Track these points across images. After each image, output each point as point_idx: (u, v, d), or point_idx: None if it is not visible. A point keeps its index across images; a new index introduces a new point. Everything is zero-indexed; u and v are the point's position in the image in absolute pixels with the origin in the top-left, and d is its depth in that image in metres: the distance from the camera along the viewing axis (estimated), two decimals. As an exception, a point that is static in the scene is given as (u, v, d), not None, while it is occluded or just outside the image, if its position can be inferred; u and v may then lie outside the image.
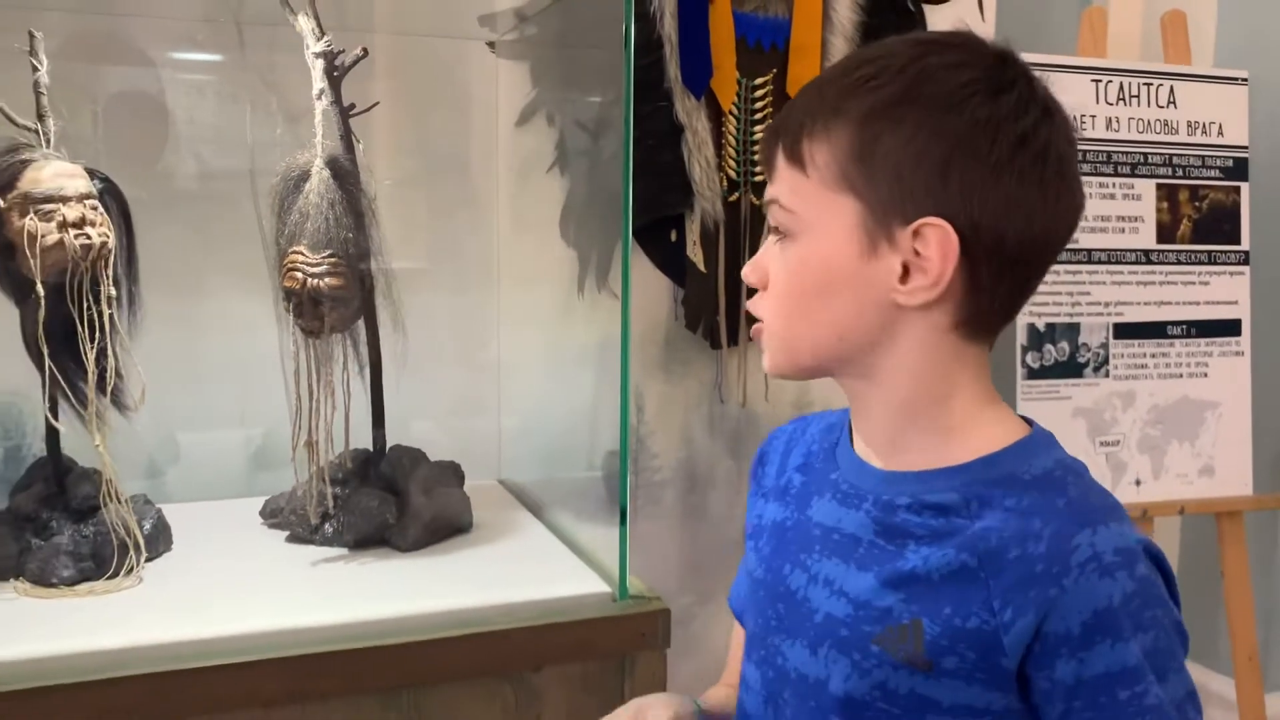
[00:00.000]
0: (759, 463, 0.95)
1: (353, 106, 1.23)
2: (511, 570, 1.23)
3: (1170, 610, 0.71)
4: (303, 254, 1.16)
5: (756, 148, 1.89)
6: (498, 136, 1.80)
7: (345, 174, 1.20)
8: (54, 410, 1.21)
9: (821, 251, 0.75)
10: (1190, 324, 2.09)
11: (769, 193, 0.79)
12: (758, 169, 1.89)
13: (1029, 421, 0.80)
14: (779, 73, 1.90)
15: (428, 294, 1.57)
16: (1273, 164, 2.20)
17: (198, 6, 1.57)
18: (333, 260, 1.17)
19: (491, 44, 1.80)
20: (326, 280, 1.16)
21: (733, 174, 1.88)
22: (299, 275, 1.16)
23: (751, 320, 0.82)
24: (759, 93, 1.89)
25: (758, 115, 1.89)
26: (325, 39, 1.18)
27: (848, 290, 0.75)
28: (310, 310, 1.16)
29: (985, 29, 2.04)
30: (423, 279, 1.60)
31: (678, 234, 1.91)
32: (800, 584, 0.82)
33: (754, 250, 1.91)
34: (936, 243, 0.72)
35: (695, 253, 1.90)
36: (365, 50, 1.21)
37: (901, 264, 0.73)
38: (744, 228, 1.91)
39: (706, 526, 1.97)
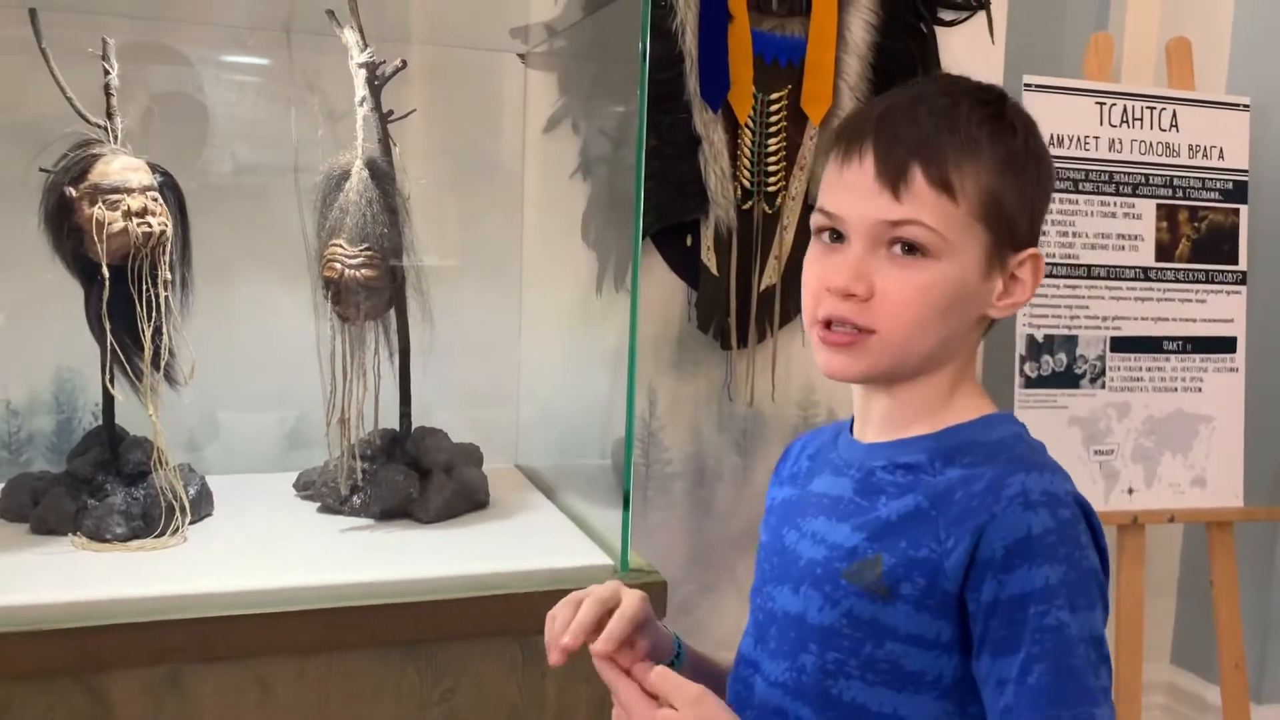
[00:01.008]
0: (781, 460, 1.06)
1: (391, 113, 1.34)
2: (523, 543, 1.34)
3: (1087, 555, 0.80)
4: (341, 247, 1.27)
5: (771, 159, 1.98)
6: (525, 143, 1.90)
7: (382, 175, 1.31)
8: (111, 382, 1.32)
9: (959, 272, 0.85)
10: (1186, 340, 2.16)
11: (898, 212, 0.84)
12: (771, 179, 1.99)
13: (996, 406, 0.91)
14: (793, 89, 1.99)
15: (455, 289, 1.68)
16: (1266, 189, 2.27)
17: (247, 15, 1.69)
18: (369, 253, 1.28)
19: (522, 55, 1.91)
20: (362, 271, 1.27)
21: (746, 183, 1.98)
22: (337, 266, 1.27)
23: (829, 325, 0.85)
24: (774, 107, 1.98)
25: (772, 129, 1.98)
26: (368, 50, 1.29)
27: (966, 306, 0.87)
28: (347, 298, 1.27)
29: (995, 52, 2.13)
30: (451, 274, 1.70)
31: (692, 239, 2.00)
32: (792, 540, 0.93)
33: (765, 256, 2.02)
34: (1032, 268, 0.88)
35: (709, 257, 2.00)
36: (404, 62, 1.32)
37: (1003, 284, 0.87)
38: (756, 235, 2.00)
39: (712, 520, 2.06)
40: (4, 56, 1.51)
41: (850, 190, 0.86)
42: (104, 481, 1.30)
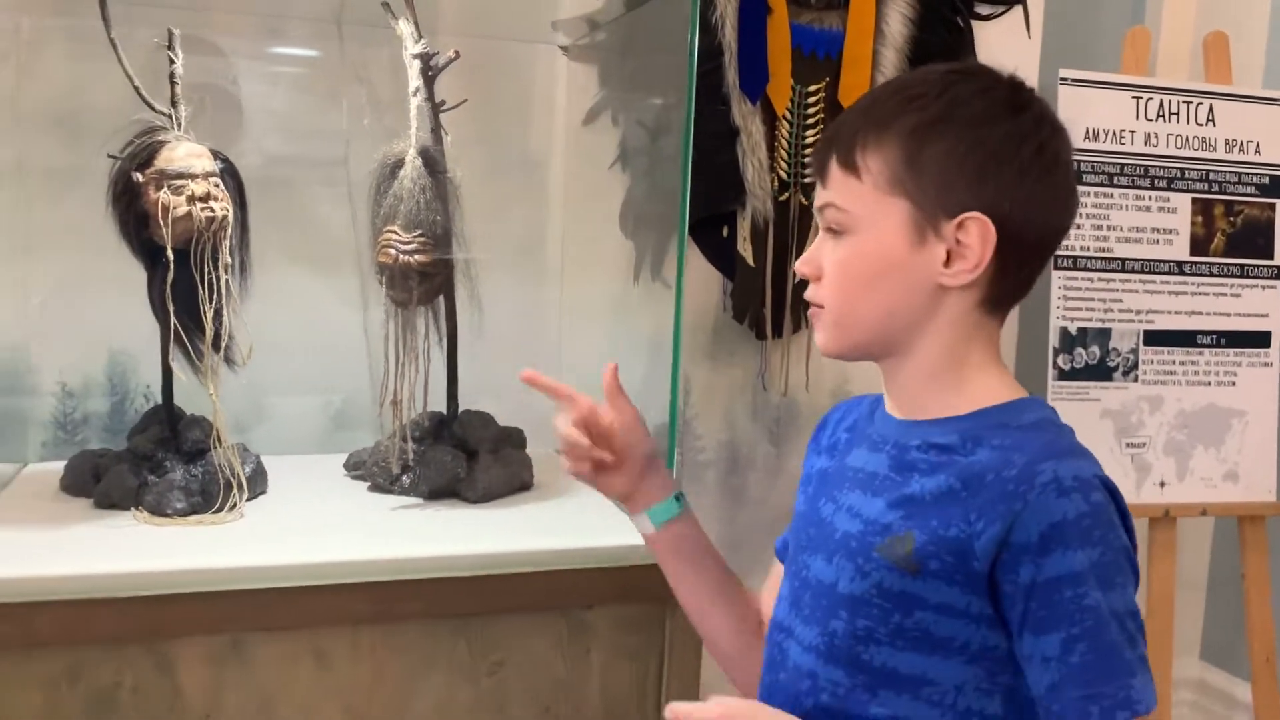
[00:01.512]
0: (820, 428, 1.11)
1: (443, 102, 1.37)
2: (567, 522, 1.38)
3: (1119, 536, 0.84)
4: (396, 233, 1.31)
5: (808, 151, 2.01)
6: (565, 134, 1.93)
7: (435, 163, 1.35)
8: (169, 360, 1.36)
9: (876, 244, 0.89)
10: (1220, 334, 2.17)
11: (822, 197, 0.92)
12: (808, 171, 2.01)
13: (1031, 395, 0.94)
14: (831, 81, 2.01)
15: (498, 276, 1.71)
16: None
17: (298, 5, 1.72)
18: (422, 239, 1.31)
19: (564, 48, 1.94)
20: (416, 257, 1.31)
21: (784, 175, 2.00)
22: (392, 251, 1.31)
23: (807, 307, 0.96)
24: (812, 100, 2.01)
25: (810, 121, 2.01)
26: (422, 41, 1.33)
27: (898, 275, 0.90)
28: (401, 283, 1.31)
29: (1032, 46, 2.14)
30: (495, 261, 1.74)
31: (729, 230, 2.03)
32: (829, 512, 0.98)
33: (801, 247, 2.04)
34: (977, 232, 0.88)
35: (745, 248, 2.02)
36: (457, 53, 1.35)
37: (946, 251, 0.89)
38: (792, 226, 2.03)
39: (745, 507, 2.09)
40: (70, 44, 1.56)
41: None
42: (163, 459, 1.35)
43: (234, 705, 1.14)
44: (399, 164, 1.35)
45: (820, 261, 0.93)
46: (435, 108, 1.36)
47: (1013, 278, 0.91)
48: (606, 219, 1.93)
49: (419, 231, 1.32)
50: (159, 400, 1.65)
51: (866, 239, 0.90)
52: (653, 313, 2.01)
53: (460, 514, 1.38)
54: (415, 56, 1.33)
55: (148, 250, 1.30)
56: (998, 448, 0.88)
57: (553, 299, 1.86)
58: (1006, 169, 0.87)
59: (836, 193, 0.91)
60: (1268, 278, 2.20)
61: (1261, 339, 2.19)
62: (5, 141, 1.63)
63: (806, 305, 0.96)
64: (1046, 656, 0.83)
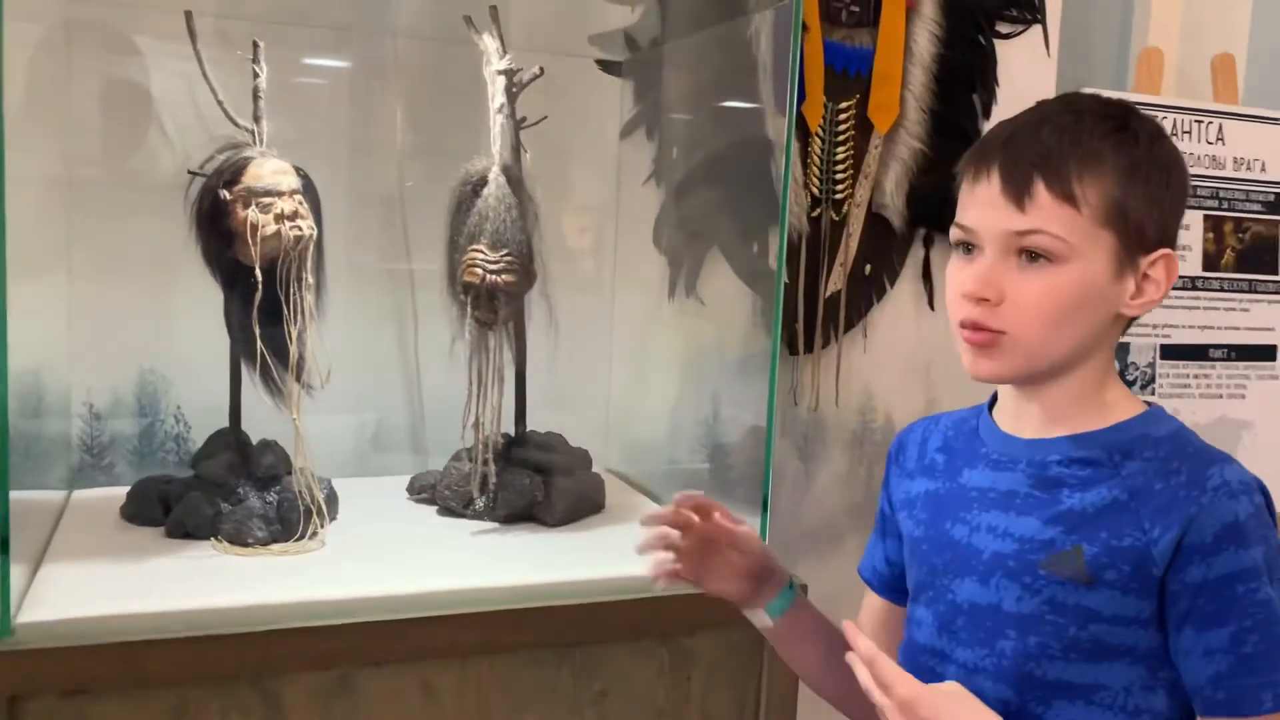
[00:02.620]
0: (899, 451, 1.12)
1: (524, 119, 1.35)
2: (654, 546, 1.35)
3: (1275, 534, 0.88)
4: (482, 252, 1.28)
5: (839, 167, 2.02)
6: (616, 149, 1.91)
7: (517, 181, 1.32)
8: (238, 384, 1.32)
9: (1085, 275, 0.90)
10: (1230, 348, 2.23)
11: (1022, 223, 0.91)
12: (839, 187, 2.02)
13: (1147, 401, 0.98)
14: (861, 98, 2.03)
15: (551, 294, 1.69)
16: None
17: (352, 16, 1.68)
18: (509, 259, 1.29)
19: (602, 62, 1.92)
20: (503, 277, 1.28)
21: (815, 191, 2.01)
22: (479, 271, 1.28)
23: (961, 328, 0.94)
24: (842, 116, 2.02)
25: (840, 137, 2.02)
26: (507, 57, 1.30)
27: (1096, 307, 0.92)
28: (486, 303, 1.28)
29: (1049, 65, 2.18)
30: (551, 279, 1.71)
31: (759, 245, 2.03)
32: (963, 534, 0.99)
33: (833, 261, 2.05)
34: (1165, 268, 0.93)
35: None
36: (541, 69, 1.33)
37: (1134, 284, 0.92)
38: (823, 242, 2.04)
39: (774, 523, 2.09)
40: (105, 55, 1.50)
41: (980, 205, 0.94)
42: (236, 485, 1.30)
43: (342, 743, 1.10)
44: (482, 181, 1.32)
45: (1002, 286, 0.92)
46: (517, 125, 1.34)
47: None
48: (645, 234, 1.92)
49: (505, 251, 1.29)
50: (183, 421, 1.62)
51: (1077, 270, 0.90)
52: (687, 329, 2.01)
53: (542, 538, 1.35)
54: (500, 73, 1.30)
55: (228, 270, 1.25)
56: (1151, 459, 0.92)
57: (605, 317, 1.84)
58: (1182, 209, 0.95)
59: (1049, 220, 0.91)
60: (1273, 292, 2.27)
61: (1268, 352, 2.26)
62: (34, 152, 1.57)
63: (977, 327, 0.92)
64: (1211, 650, 0.87)
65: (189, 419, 1.69)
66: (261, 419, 1.43)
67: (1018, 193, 0.91)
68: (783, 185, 1.36)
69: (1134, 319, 0.97)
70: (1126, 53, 2.35)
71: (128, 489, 1.39)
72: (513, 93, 1.31)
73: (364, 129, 1.65)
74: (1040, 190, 0.90)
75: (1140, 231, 0.91)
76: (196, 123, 1.53)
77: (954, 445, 1.06)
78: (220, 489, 1.30)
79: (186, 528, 1.26)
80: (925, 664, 1.01)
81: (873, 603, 1.15)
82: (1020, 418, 1.00)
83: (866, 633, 1.12)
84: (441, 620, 1.12)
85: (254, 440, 1.39)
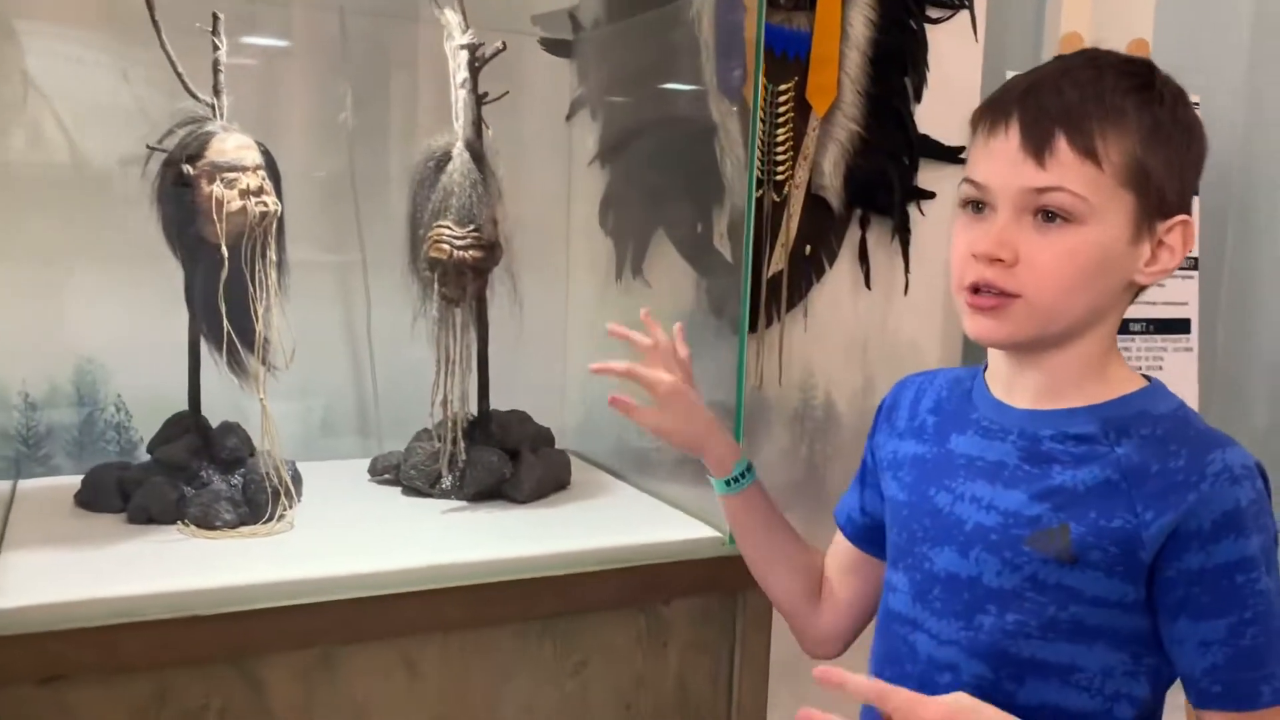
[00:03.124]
0: (891, 408, 1.10)
1: (485, 95, 1.34)
2: (623, 519, 1.37)
3: (1274, 522, 0.87)
4: (449, 228, 1.27)
5: (780, 148, 2.05)
6: (553, 130, 1.91)
7: (480, 157, 1.31)
8: (197, 365, 1.29)
9: (1104, 236, 0.87)
10: (1149, 321, 2.33)
11: (1042, 179, 0.86)
12: (779, 168, 2.05)
13: (1146, 376, 0.96)
14: (800, 81, 2.06)
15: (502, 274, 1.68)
16: (1211, 181, 2.46)
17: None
18: (475, 235, 1.28)
19: (546, 42, 1.91)
20: (471, 253, 1.27)
21: (758, 173, 2.03)
22: (446, 247, 1.27)
23: (968, 290, 0.90)
24: (782, 99, 2.05)
25: (780, 119, 2.05)
26: (469, 32, 1.30)
27: (1113, 271, 0.89)
28: (454, 280, 1.28)
29: (976, 49, 2.24)
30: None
31: (703, 226, 2.05)
32: (946, 502, 0.97)
33: (774, 242, 2.08)
34: (1182, 235, 0.90)
35: (722, 244, 2.04)
36: (504, 44, 1.32)
37: (1150, 250, 0.89)
38: (765, 223, 2.07)
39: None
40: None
41: (996, 159, 0.89)
42: (198, 469, 1.27)
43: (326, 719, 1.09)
44: (445, 157, 1.31)
45: (1017, 246, 0.88)
46: (479, 100, 1.33)
47: None
48: (592, 215, 1.92)
49: (472, 226, 1.28)
50: (124, 410, 1.57)
51: (1097, 230, 0.87)
52: (635, 310, 2.01)
53: (513, 514, 1.35)
54: (462, 47, 1.29)
55: (190, 247, 1.22)
56: (1148, 438, 0.89)
57: (559, 297, 1.84)
58: (1198, 176, 0.91)
59: (1070, 177, 0.86)
60: (1186, 268, 2.37)
61: (1183, 325, 2.37)
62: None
63: (976, 289, 0.90)
64: (1207, 641, 0.85)
65: (130, 408, 1.64)
66: (209, 401, 1.40)
67: (1038, 147, 0.86)
68: (748, 167, 1.38)
69: (1144, 288, 0.93)
70: (1050, 37, 2.43)
71: (72, 479, 1.35)
72: (475, 68, 1.30)
73: (313, 107, 1.62)
74: (1062, 145, 0.86)
75: (1161, 195, 0.88)
76: (122, 105, 1.49)
77: (946, 407, 1.03)
78: (182, 473, 1.26)
79: (150, 513, 1.23)
80: (898, 632, 0.99)
81: (841, 545, 1.15)
82: (1014, 385, 0.96)
83: (831, 573, 1.15)
84: (423, 595, 1.11)
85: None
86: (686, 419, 1.16)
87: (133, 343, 1.59)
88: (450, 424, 1.32)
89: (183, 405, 1.35)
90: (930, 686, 0.94)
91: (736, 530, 1.19)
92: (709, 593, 1.26)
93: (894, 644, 1.00)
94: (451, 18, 1.29)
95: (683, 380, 1.19)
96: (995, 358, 0.99)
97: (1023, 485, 0.92)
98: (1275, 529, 0.88)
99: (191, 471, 1.27)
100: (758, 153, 2.02)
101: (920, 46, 2.16)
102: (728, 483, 1.17)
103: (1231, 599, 0.85)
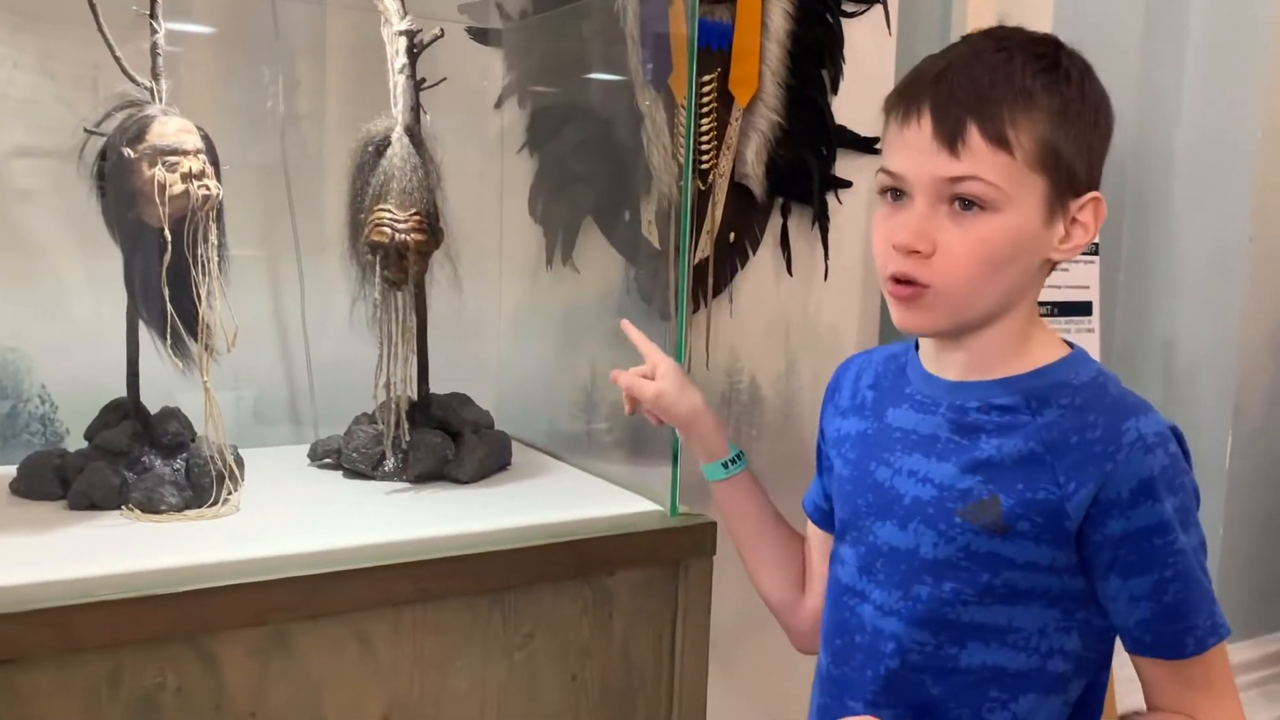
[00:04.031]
0: (834, 389, 1.15)
1: (424, 80, 1.36)
2: (569, 495, 1.40)
3: (1190, 479, 0.94)
4: (390, 211, 1.29)
5: (705, 139, 2.10)
6: (499, 118, 1.93)
7: (420, 141, 1.33)
8: (135, 350, 1.28)
9: (1018, 222, 0.89)
10: (1053, 304, 2.44)
11: (956, 169, 0.88)
12: (704, 158, 2.10)
13: (1069, 343, 1.02)
14: (722, 72, 2.11)
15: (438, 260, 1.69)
16: (1106, 171, 2.59)
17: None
18: (417, 218, 1.30)
19: (473, 31, 1.93)
20: (413, 236, 1.29)
21: (682, 162, 2.08)
22: (387, 230, 1.29)
23: (890, 280, 0.93)
24: (706, 89, 2.10)
25: (704, 110, 2.10)
26: (408, 18, 1.31)
27: (1027, 254, 0.92)
28: (396, 263, 1.29)
29: (890, 43, 2.32)
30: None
31: (630, 214, 2.09)
32: (886, 476, 1.01)
33: (700, 229, 2.13)
34: (1094, 211, 0.93)
35: (650, 231, 2.09)
36: (442, 31, 1.35)
37: (1064, 228, 0.93)
38: (691, 210, 2.11)
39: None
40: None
41: (910, 150, 0.91)
42: (140, 454, 1.26)
43: (281, 696, 1.10)
44: (384, 142, 1.32)
45: (934, 236, 0.90)
46: (417, 85, 1.35)
47: None
48: (522, 202, 1.95)
49: (414, 210, 1.30)
50: (49, 401, 1.55)
51: (1009, 217, 0.89)
52: (565, 297, 2.05)
53: (458, 494, 1.37)
54: (401, 33, 1.31)
55: (129, 231, 1.21)
56: (1066, 407, 0.93)
57: (493, 282, 1.86)
58: (1107, 149, 0.95)
59: (983, 166, 0.88)
60: (1088, 254, 2.49)
61: (1085, 308, 2.48)
62: None
63: (904, 280, 0.92)
64: (1136, 596, 0.91)
65: (56, 399, 1.62)
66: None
67: (950, 137, 0.88)
68: (686, 155, 1.42)
69: (1058, 264, 0.96)
70: (958, 31, 2.52)
71: (4, 468, 1.33)
72: (414, 54, 1.32)
73: (244, 94, 1.62)
74: (974, 134, 0.88)
75: (1071, 174, 0.90)
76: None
77: (883, 383, 1.06)
78: (123, 458, 1.26)
79: (92, 499, 1.22)
80: (846, 603, 1.04)
81: (814, 534, 1.19)
82: (943, 360, 1.00)
83: (810, 562, 1.19)
84: (373, 572, 1.13)
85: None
86: (681, 390, 1.24)
87: (56, 331, 1.57)
88: (394, 406, 1.34)
89: (112, 394, 1.34)
90: (877, 655, 1.00)
91: (727, 517, 1.23)
92: (652, 564, 1.30)
93: (844, 615, 1.05)
94: (390, 4, 1.31)
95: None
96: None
97: (953, 457, 0.96)
98: (1193, 486, 0.94)
99: (133, 457, 1.26)
100: (682, 141, 2.07)
101: (836, 39, 2.23)
102: (724, 465, 1.20)
103: (1152, 559, 0.90)
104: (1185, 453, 0.95)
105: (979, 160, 0.88)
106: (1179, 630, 0.92)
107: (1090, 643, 0.97)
